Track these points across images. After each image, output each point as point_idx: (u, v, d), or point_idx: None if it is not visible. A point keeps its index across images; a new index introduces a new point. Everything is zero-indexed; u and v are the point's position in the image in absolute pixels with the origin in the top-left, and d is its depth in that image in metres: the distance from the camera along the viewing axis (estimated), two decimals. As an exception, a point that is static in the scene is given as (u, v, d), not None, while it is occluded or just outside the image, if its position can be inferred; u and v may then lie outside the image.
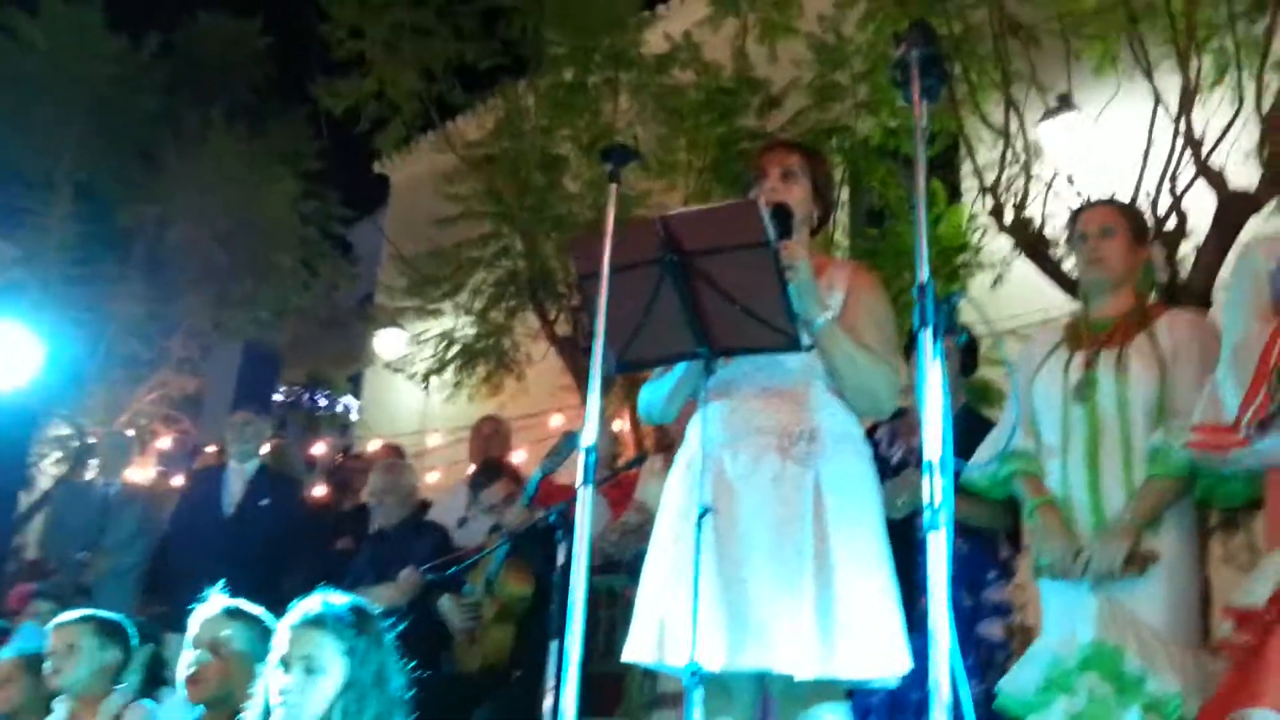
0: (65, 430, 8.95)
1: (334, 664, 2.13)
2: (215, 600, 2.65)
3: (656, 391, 2.52)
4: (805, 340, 2.23)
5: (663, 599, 2.29)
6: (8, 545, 5.38)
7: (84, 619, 3.08)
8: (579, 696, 3.74)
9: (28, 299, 7.56)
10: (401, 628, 2.32)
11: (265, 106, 9.39)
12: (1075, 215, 2.91)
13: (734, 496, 2.29)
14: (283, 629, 2.18)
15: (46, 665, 3.00)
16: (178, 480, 8.68)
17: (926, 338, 1.67)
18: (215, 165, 8.30)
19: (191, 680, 2.56)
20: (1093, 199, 5.17)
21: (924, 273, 1.72)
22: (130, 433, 8.58)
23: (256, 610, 2.66)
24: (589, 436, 2.04)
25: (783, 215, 2.36)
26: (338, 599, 2.22)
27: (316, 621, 2.14)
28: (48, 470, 9.04)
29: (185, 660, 2.60)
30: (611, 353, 2.35)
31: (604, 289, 2.11)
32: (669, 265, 2.19)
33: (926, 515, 1.62)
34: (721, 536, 2.25)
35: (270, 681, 2.15)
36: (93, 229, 8.60)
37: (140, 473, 9.58)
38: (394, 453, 5.79)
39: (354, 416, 12.66)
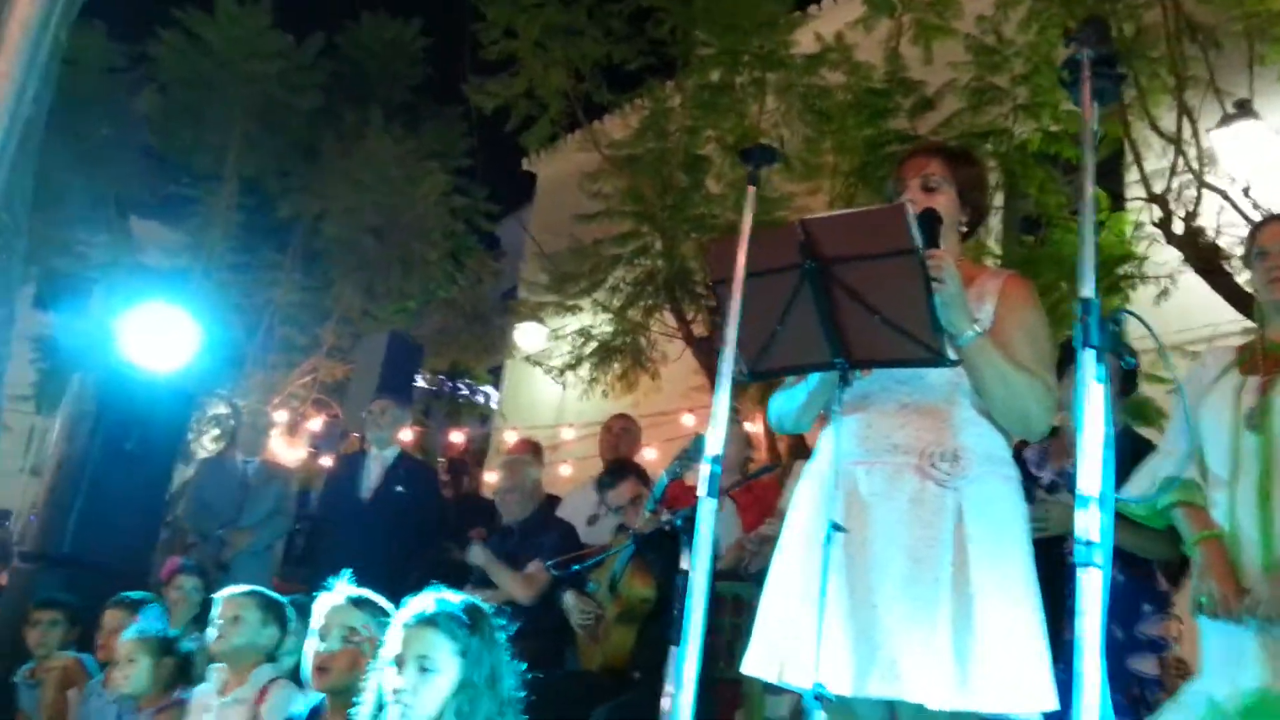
0: (224, 410, 9.43)
1: (448, 664, 2.13)
2: (341, 589, 2.70)
3: (789, 402, 2.43)
4: (951, 355, 2.11)
5: (788, 616, 2.22)
6: (162, 519, 5.64)
7: (251, 593, 3.17)
8: (697, 702, 3.70)
9: (192, 285, 7.98)
10: (515, 628, 2.31)
11: (420, 105, 9.69)
12: (1255, 230, 2.68)
13: (868, 516, 2.19)
14: (396, 627, 2.19)
15: (210, 632, 3.10)
16: (327, 461, 9.04)
17: (1088, 359, 1.54)
18: (371, 161, 8.60)
19: (319, 669, 2.61)
20: (1273, 212, 4.85)
21: (1088, 287, 1.59)
22: (281, 413, 8.99)
23: (382, 601, 2.70)
24: (713, 447, 1.97)
25: (930, 222, 2.23)
26: (452, 597, 2.22)
27: (431, 621, 2.14)
28: (209, 447, 9.55)
29: (311, 648, 2.65)
30: (744, 360, 2.28)
31: (737, 294, 2.04)
32: (808, 272, 2.11)
33: (1079, 551, 1.49)
34: (852, 558, 2.16)
35: (384, 680, 2.16)
36: (255, 220, 9.03)
37: (292, 453, 10.03)
38: (529, 447, 5.83)
39: (494, 406, 12.94)
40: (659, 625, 3.50)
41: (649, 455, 8.42)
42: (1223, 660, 2.42)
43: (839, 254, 2.08)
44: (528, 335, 9.94)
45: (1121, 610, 2.94)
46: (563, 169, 11.73)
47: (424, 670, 2.11)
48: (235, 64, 8.56)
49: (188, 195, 8.74)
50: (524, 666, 2.30)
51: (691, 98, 7.33)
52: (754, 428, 6.89)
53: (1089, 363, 1.54)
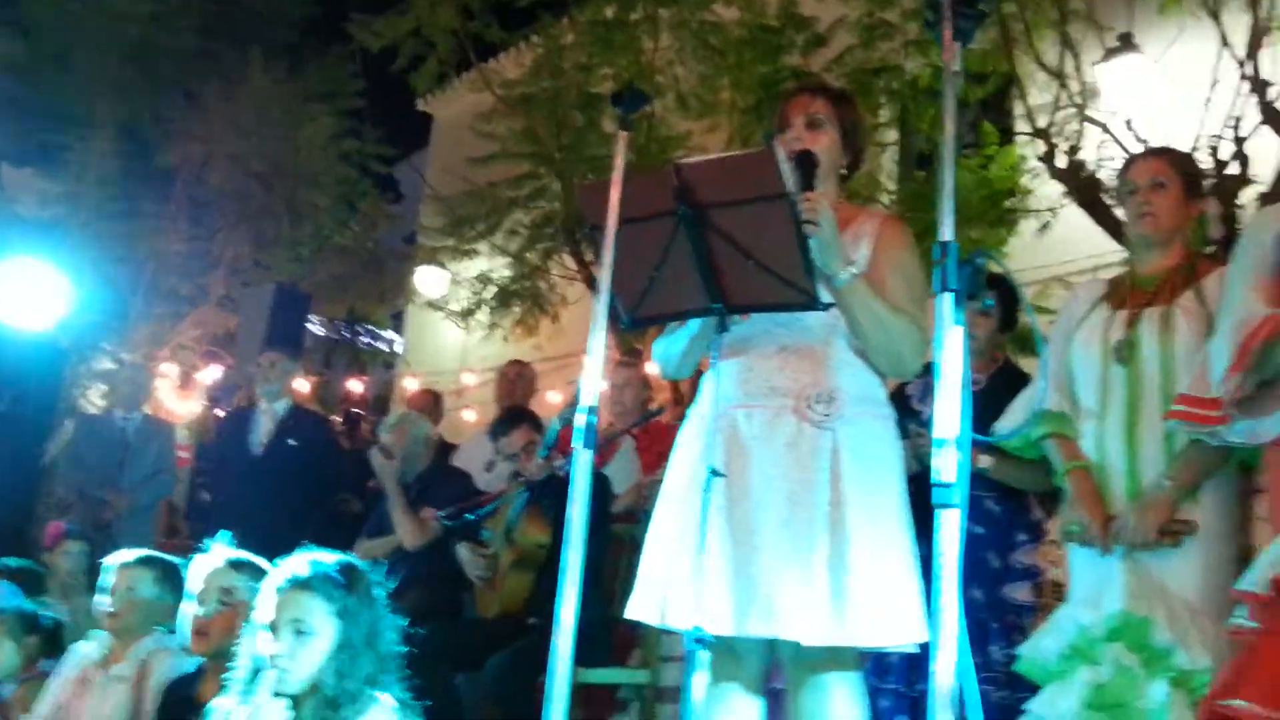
0: (111, 365, 9.09)
1: (325, 626, 2.09)
2: (218, 550, 2.62)
3: (670, 348, 2.42)
4: (826, 298, 2.11)
5: (669, 560, 2.23)
6: (39, 483, 5.42)
7: (145, 561, 3.04)
8: (594, 643, 3.72)
9: (70, 236, 7.62)
10: (407, 578, 2.27)
11: (305, 45, 9.32)
12: (1126, 166, 2.74)
13: (747, 459, 2.20)
14: (268, 592, 2.13)
15: (99, 600, 2.98)
16: (222, 413, 8.80)
17: (946, 302, 1.55)
18: (254, 105, 8.26)
19: (198, 633, 2.54)
20: (1147, 147, 4.98)
21: (947, 231, 1.59)
22: (171, 366, 8.71)
23: (261, 562, 2.63)
24: (588, 397, 1.95)
25: (807, 164, 2.22)
26: (326, 557, 2.17)
27: (304, 584, 2.10)
28: (98, 404, 9.21)
29: (188, 611, 2.58)
30: (623, 307, 2.25)
31: (609, 243, 2.00)
32: (683, 217, 2.08)
33: (936, 492, 1.51)
34: (733, 500, 2.17)
35: (259, 644, 2.11)
36: (135, 168, 8.64)
37: (186, 405, 9.74)
38: (428, 398, 5.75)
39: (398, 351, 12.75)
40: (555, 571, 3.49)
41: (553, 398, 8.40)
42: (1091, 586, 2.51)
43: (713, 199, 2.06)
44: (428, 279, 9.75)
45: (998, 540, 3.03)
46: (459, 109, 11.44)
47: (300, 633, 2.07)
48: (103, 3, 8.11)
49: (60, 144, 8.30)
50: (405, 621, 2.27)
51: (585, 35, 7.18)
52: (653, 368, 6.91)
53: (947, 306, 1.55)
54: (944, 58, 1.67)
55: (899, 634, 2.11)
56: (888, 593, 2.10)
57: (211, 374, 9.51)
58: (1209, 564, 2.41)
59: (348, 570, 2.16)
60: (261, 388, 5.08)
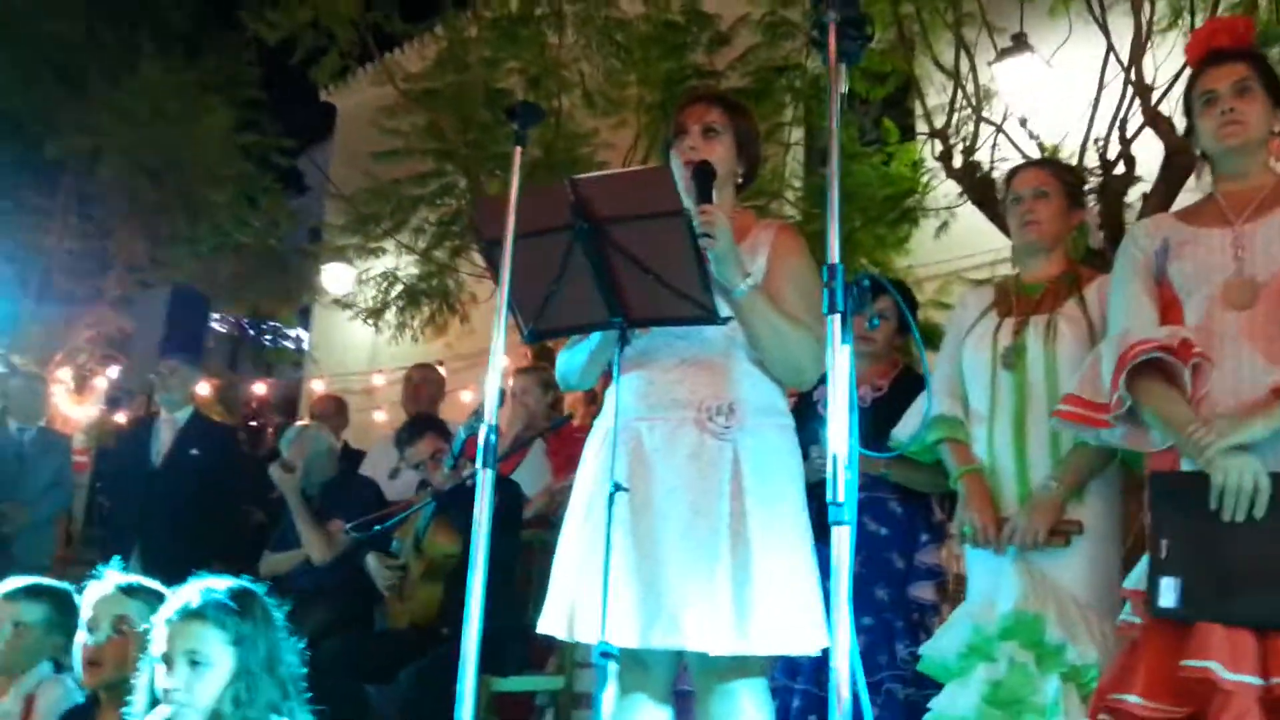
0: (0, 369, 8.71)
1: (220, 655, 2.04)
2: (110, 576, 2.54)
3: (571, 360, 2.42)
4: (724, 312, 2.14)
5: (577, 574, 2.24)
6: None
7: (28, 593, 2.84)
8: (507, 651, 3.69)
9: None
10: (289, 605, 2.23)
11: (200, 32, 8.99)
12: (1010, 175, 2.82)
13: (650, 471, 2.22)
14: (160, 624, 2.07)
15: None
16: (122, 418, 8.48)
17: (835, 324, 1.58)
18: (145, 95, 7.94)
19: (90, 663, 2.46)
20: (1032, 157, 5.14)
21: (834, 253, 1.62)
22: (64, 370, 8.40)
23: (156, 586, 2.55)
24: (489, 414, 1.93)
25: (704, 176, 2.24)
26: (218, 584, 2.12)
27: (197, 613, 2.04)
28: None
29: (80, 641, 2.49)
30: (522, 321, 2.25)
31: (507, 258, 1.99)
32: (580, 232, 2.09)
33: (830, 511, 1.54)
34: (636, 512, 2.19)
35: (155, 677, 2.06)
36: (20, 161, 8.24)
37: (81, 411, 9.40)
38: (332, 404, 5.64)
39: (306, 349, 12.48)
40: (465, 580, 3.47)
41: (465, 397, 8.32)
42: (986, 586, 2.59)
43: (610, 214, 2.06)
44: (334, 277, 9.54)
45: (901, 540, 3.10)
46: (363, 101, 11.22)
47: (194, 664, 2.02)
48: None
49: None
50: (304, 643, 2.23)
51: (490, 28, 7.10)
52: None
53: (836, 328, 1.58)
54: (830, 80, 1.69)
55: (801, 642, 2.15)
56: (789, 601, 2.14)
57: (108, 377, 9.19)
58: (1096, 562, 2.49)
59: (241, 596, 2.11)
60: (161, 396, 4.93)
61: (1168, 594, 1.99)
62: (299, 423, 4.94)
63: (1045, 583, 2.48)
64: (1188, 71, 2.37)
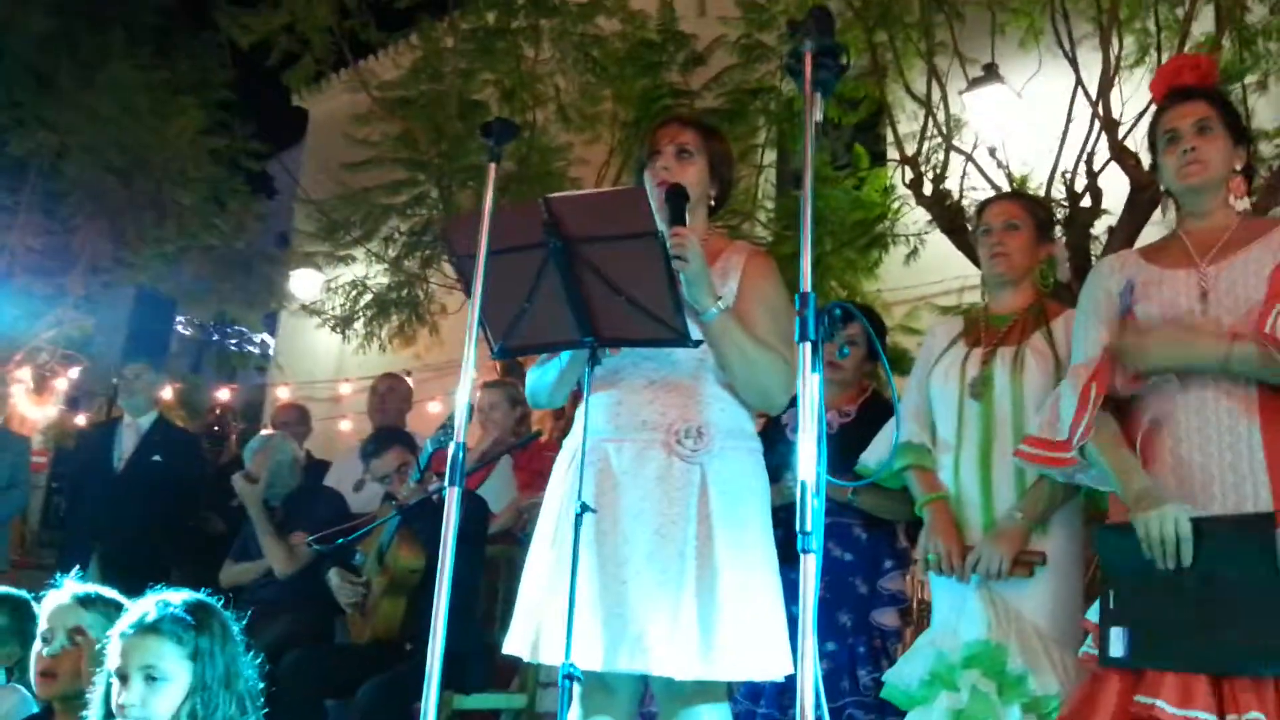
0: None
1: (177, 670, 2.00)
2: (68, 586, 2.49)
3: (542, 378, 2.42)
4: (695, 335, 2.14)
5: (543, 595, 2.23)
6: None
7: None
8: (472, 668, 3.65)
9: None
10: (245, 621, 2.20)
11: (172, 31, 8.88)
12: (981, 208, 2.86)
13: (618, 493, 2.22)
14: (115, 638, 2.04)
15: None
16: (82, 419, 8.35)
17: (806, 352, 1.59)
18: (115, 94, 7.83)
19: (44, 674, 2.41)
20: (1001, 187, 5.20)
21: (807, 282, 1.63)
22: (24, 370, 8.27)
23: (113, 595, 2.51)
24: (458, 433, 1.93)
25: (677, 198, 2.25)
26: (174, 597, 2.08)
27: (152, 628, 2.00)
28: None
29: (36, 651, 2.44)
30: (493, 337, 2.24)
31: (479, 276, 1.98)
32: (553, 251, 2.09)
33: (800, 539, 1.54)
34: (603, 534, 2.19)
35: (111, 692, 2.02)
36: (-14, 157, 8.11)
37: (41, 411, 9.24)
38: (295, 413, 5.58)
39: (271, 354, 12.35)
40: (429, 595, 3.44)
41: (433, 408, 8.27)
42: (950, 613, 2.60)
43: (583, 234, 2.07)
44: (303, 283, 9.46)
45: (865, 566, 3.11)
46: (336, 107, 11.16)
47: (151, 679, 1.98)
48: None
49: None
50: (262, 657, 2.20)
51: (466, 40, 7.09)
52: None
53: (807, 356, 1.58)
54: (805, 108, 1.70)
55: (765, 668, 2.15)
56: (754, 627, 2.14)
57: (68, 378, 9.04)
58: (1058, 593, 2.51)
59: (198, 610, 2.07)
60: (125, 400, 4.87)
61: (1116, 644, 2.03)
62: (264, 431, 4.89)
63: (1008, 613, 2.49)
64: (1154, 108, 2.42)
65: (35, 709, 2.58)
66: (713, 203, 2.47)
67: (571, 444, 2.35)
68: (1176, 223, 2.33)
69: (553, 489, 2.36)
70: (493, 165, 2.08)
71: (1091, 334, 2.31)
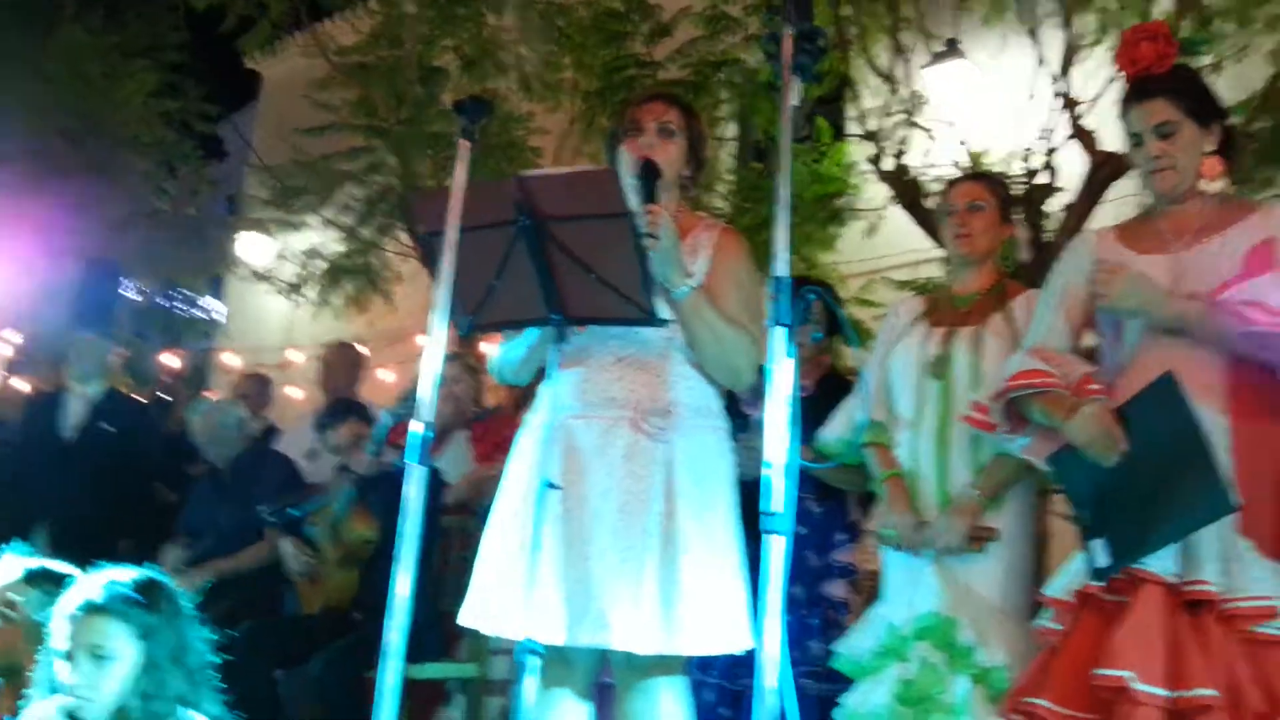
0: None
1: (125, 648, 1.97)
2: (11, 561, 2.44)
3: (508, 354, 2.42)
4: (664, 314, 2.14)
5: (502, 569, 2.23)
6: None
7: None
8: (423, 636, 3.67)
9: None
10: (204, 588, 2.17)
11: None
12: (947, 188, 2.88)
13: (583, 469, 2.22)
14: (60, 619, 2.00)
15: None
16: (22, 385, 8.12)
17: (779, 336, 1.59)
18: (64, 56, 7.62)
19: None
20: (961, 162, 5.24)
21: (783, 266, 1.63)
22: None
23: (59, 568, 2.47)
24: (425, 411, 1.91)
25: (649, 175, 2.24)
26: (122, 575, 2.05)
27: (100, 608, 1.97)
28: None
29: None
30: (461, 314, 2.22)
31: (449, 253, 1.96)
32: (523, 228, 2.07)
33: (764, 520, 1.56)
34: (569, 510, 2.20)
35: (56, 671, 1.99)
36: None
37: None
38: (255, 382, 5.51)
39: (217, 319, 12.14)
40: (382, 566, 3.43)
41: (385, 377, 8.18)
42: (902, 587, 2.66)
43: (554, 212, 2.06)
44: (252, 247, 9.28)
45: (816, 539, 3.17)
46: (290, 70, 10.92)
47: (99, 659, 1.95)
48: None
49: None
50: (214, 633, 2.17)
51: (426, 5, 6.96)
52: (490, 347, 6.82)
53: (779, 340, 1.59)
54: (783, 94, 1.70)
55: (726, 643, 2.18)
56: (715, 603, 2.17)
57: (10, 344, 8.82)
58: (1010, 568, 2.57)
59: (146, 586, 2.04)
60: (75, 369, 4.73)
61: (1100, 555, 2.08)
62: (206, 395, 4.83)
63: (961, 587, 2.55)
64: (1113, 87, 2.42)
65: None
66: (686, 181, 2.46)
67: (537, 420, 2.35)
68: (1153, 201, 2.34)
69: (516, 463, 2.36)
70: (465, 143, 2.05)
71: (1048, 318, 2.35)
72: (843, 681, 2.83)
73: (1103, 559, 2.08)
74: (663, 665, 2.21)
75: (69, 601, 2.00)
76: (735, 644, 2.19)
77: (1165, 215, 2.28)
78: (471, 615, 2.27)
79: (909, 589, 2.62)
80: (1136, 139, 2.28)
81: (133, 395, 5.30)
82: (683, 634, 2.13)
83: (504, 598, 2.19)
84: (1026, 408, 2.28)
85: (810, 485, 3.13)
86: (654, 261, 2.12)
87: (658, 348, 2.28)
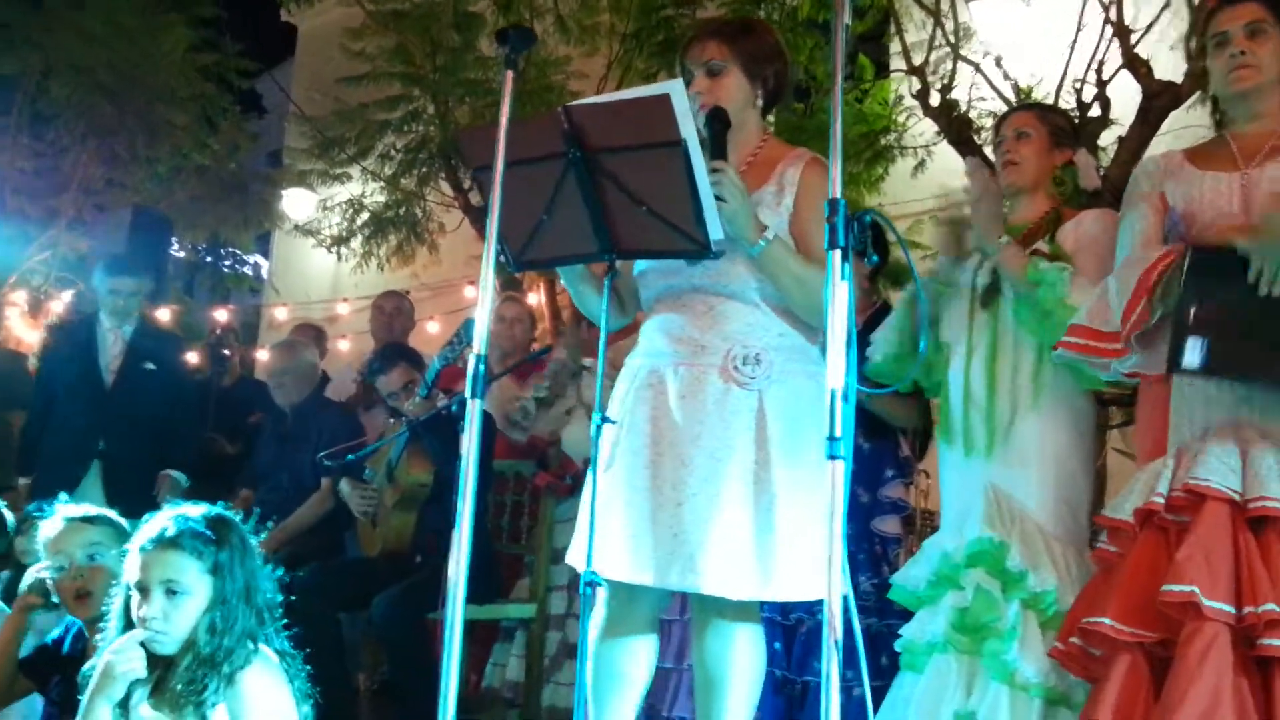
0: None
1: (198, 584, 2.02)
2: (68, 509, 2.50)
3: (582, 307, 2.43)
4: (716, 245, 2.10)
5: (601, 511, 2.22)
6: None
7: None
8: (480, 577, 3.74)
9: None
10: (264, 535, 2.21)
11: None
12: (1000, 120, 2.84)
13: (674, 416, 2.22)
14: (134, 553, 2.05)
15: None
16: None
17: (836, 260, 1.58)
18: (103, 12, 7.64)
19: (79, 595, 2.44)
20: (1008, 97, 5.12)
21: (837, 188, 1.61)
22: (19, 293, 8.22)
23: (109, 514, 2.53)
24: (479, 344, 1.91)
25: (716, 124, 2.18)
26: (192, 510, 2.09)
27: (172, 542, 2.01)
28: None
29: (49, 574, 2.46)
30: (509, 250, 2.22)
31: (497, 188, 1.95)
32: (573, 161, 2.06)
33: (827, 446, 1.55)
34: (659, 455, 2.20)
35: (130, 604, 2.04)
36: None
37: (34, 334, 9.19)
38: (312, 332, 5.57)
39: (264, 277, 12.27)
40: (438, 509, 3.49)
41: (431, 328, 8.25)
42: (956, 517, 2.66)
43: (604, 144, 2.04)
44: (296, 203, 9.33)
45: (866, 476, 3.17)
46: (326, 21, 10.93)
47: (172, 593, 2.00)
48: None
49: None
50: (281, 570, 2.22)
51: (462, -50, 6.90)
52: (536, 299, 6.84)
53: (836, 263, 1.57)
54: (835, 14, 1.66)
55: (816, 589, 2.14)
56: (808, 550, 2.13)
57: (64, 300, 8.97)
58: (1060, 490, 2.56)
59: (216, 523, 2.08)
60: (109, 307, 4.53)
61: (1193, 353, 2.06)
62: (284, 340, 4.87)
63: (1011, 509, 2.55)
64: (1166, 14, 2.36)
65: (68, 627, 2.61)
66: (761, 103, 2.39)
67: (630, 365, 2.36)
68: (1224, 127, 2.28)
69: (613, 409, 2.32)
70: (510, 74, 2.03)
71: (1137, 227, 2.29)
72: (893, 616, 2.86)
73: (1194, 358, 2.05)
74: (743, 610, 2.21)
75: (143, 535, 2.05)
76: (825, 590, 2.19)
77: (1237, 135, 2.24)
78: (573, 555, 2.28)
79: (962, 518, 2.62)
80: (1221, 38, 2.21)
81: (164, 327, 5.28)
82: (775, 582, 2.14)
83: (598, 538, 2.16)
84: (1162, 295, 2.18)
85: (861, 422, 3.11)
86: (725, 221, 2.08)
87: (750, 294, 2.24)
